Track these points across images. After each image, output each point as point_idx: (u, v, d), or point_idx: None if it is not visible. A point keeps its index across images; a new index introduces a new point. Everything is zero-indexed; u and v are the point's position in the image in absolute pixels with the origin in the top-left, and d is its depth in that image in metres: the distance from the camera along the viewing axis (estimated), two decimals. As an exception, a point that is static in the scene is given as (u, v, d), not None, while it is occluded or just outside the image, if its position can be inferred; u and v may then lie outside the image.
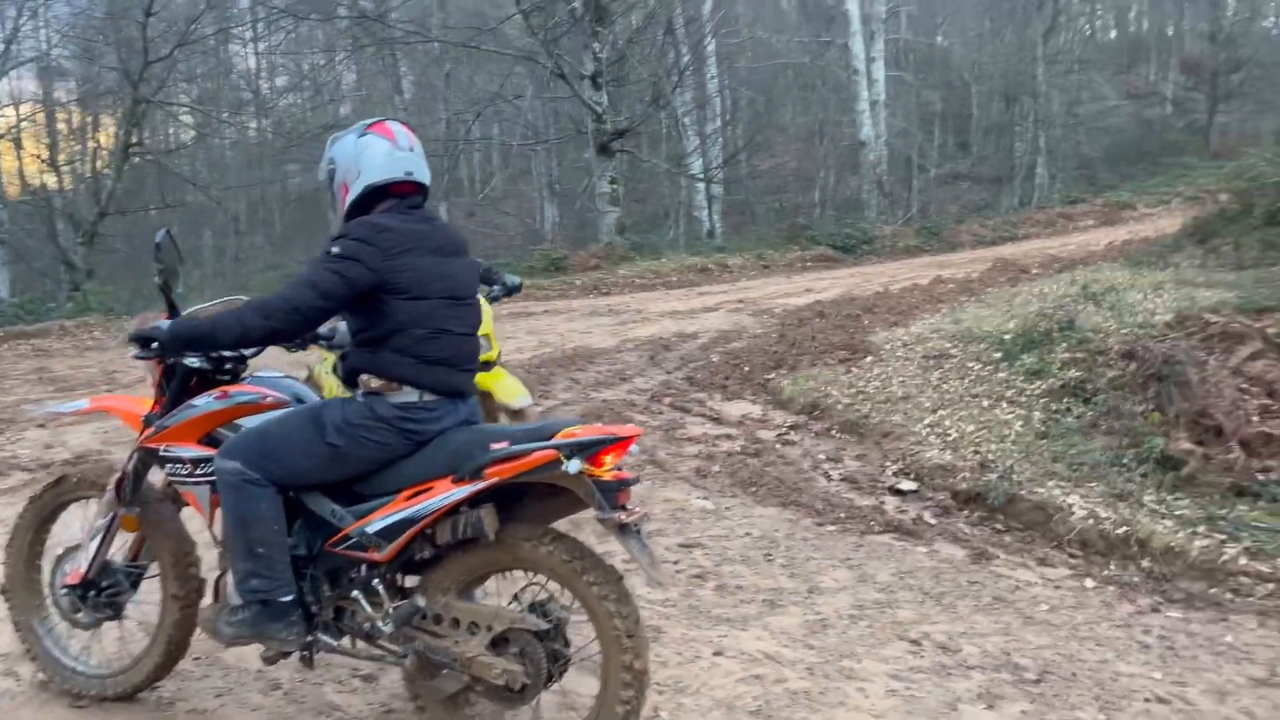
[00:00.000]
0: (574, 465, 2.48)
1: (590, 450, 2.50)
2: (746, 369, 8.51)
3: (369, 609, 2.72)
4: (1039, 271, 13.25)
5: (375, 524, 2.65)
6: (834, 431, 6.66)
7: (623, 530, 2.51)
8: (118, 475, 3.05)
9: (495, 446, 2.57)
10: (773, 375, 8.12)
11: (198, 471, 2.86)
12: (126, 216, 20.50)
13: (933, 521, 5.12)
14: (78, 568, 3.10)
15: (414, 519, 2.62)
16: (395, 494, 2.66)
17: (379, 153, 2.77)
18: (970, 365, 7.38)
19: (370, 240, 2.63)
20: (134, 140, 17.52)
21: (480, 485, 2.56)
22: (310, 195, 34.10)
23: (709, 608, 3.83)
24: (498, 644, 2.62)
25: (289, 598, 2.73)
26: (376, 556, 2.67)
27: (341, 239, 2.67)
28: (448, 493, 2.58)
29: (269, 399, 2.92)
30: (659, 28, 19.95)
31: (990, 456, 5.73)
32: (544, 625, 2.61)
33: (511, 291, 4.44)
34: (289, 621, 2.72)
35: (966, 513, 5.27)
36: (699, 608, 3.83)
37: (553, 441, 2.53)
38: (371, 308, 2.68)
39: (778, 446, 6.33)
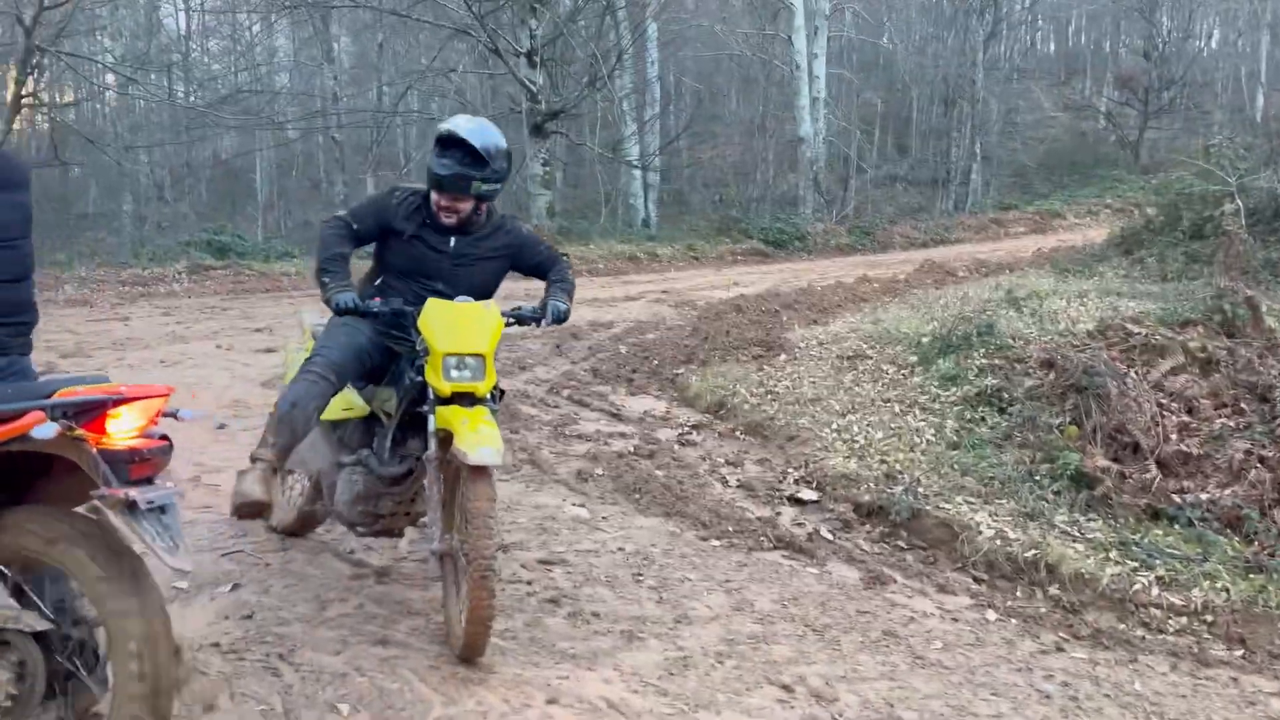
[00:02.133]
0: (44, 430, 2.06)
1: (91, 412, 2.13)
2: (655, 362, 8.02)
3: None
4: (966, 275, 13.00)
5: None
6: (738, 433, 6.21)
7: (131, 510, 2.10)
8: None
9: None
10: (681, 370, 7.65)
11: None
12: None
13: (829, 537, 4.69)
14: None
15: None
16: None
17: None
18: (885, 368, 6.99)
19: None
20: (26, 92, 16.39)
21: None
22: (238, 163, 32.94)
23: (555, 640, 3.31)
24: None
25: None
26: None
27: None
28: None
29: None
30: (599, 7, 19.34)
31: (897, 467, 5.32)
32: (40, 625, 2.19)
33: (542, 321, 3.54)
34: None
35: (868, 528, 4.85)
36: (543, 640, 3.30)
37: (44, 401, 2.12)
38: None
39: (675, 448, 5.85)
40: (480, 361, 3.23)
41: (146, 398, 2.20)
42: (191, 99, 26.90)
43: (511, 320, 3.50)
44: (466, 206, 3.44)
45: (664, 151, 22.32)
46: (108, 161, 23.26)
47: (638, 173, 21.18)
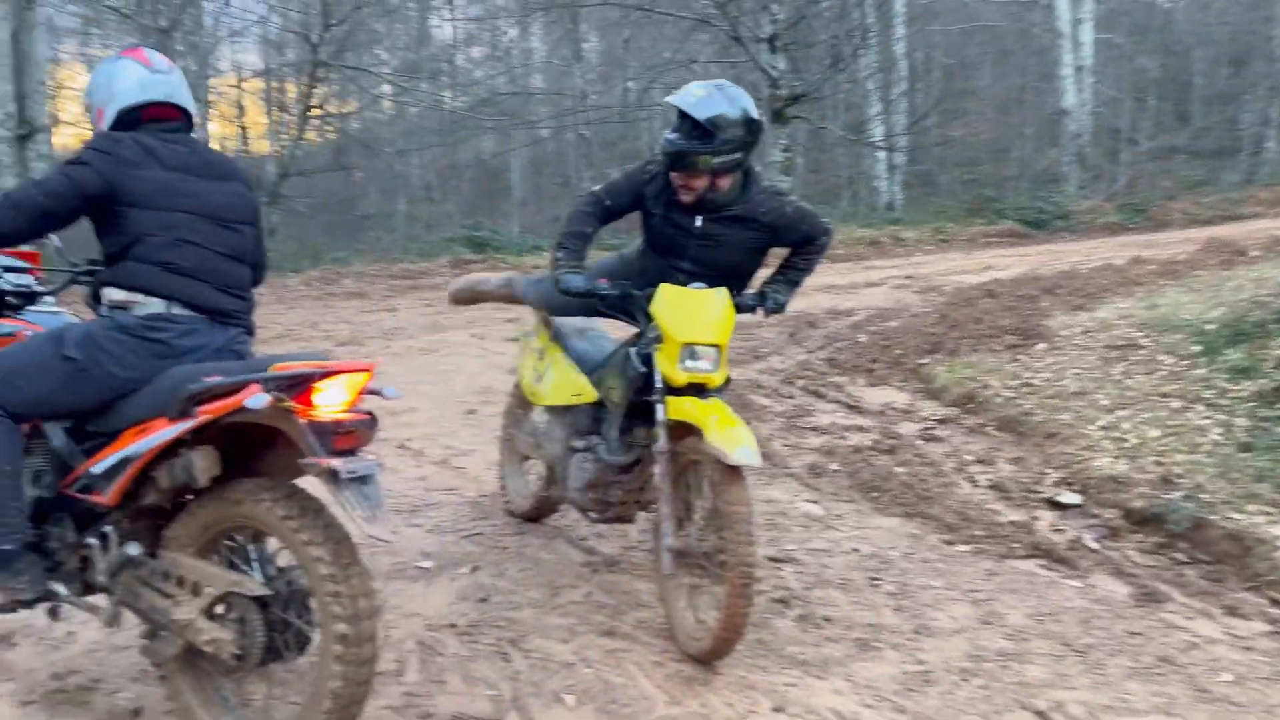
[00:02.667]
0: (256, 401, 2.16)
1: (300, 386, 2.23)
2: (898, 352, 7.63)
3: (100, 559, 2.49)
4: (1259, 254, 11.50)
5: (100, 464, 2.41)
6: (989, 429, 5.77)
7: (334, 477, 2.19)
8: None
9: (208, 380, 2.27)
10: (926, 360, 7.23)
11: None
12: (310, 179, 21.34)
13: (1094, 547, 4.23)
14: None
15: (130, 459, 2.36)
16: (121, 432, 2.41)
17: (132, 77, 2.61)
18: (1162, 359, 6.28)
19: (104, 149, 2.49)
20: (312, 104, 18.06)
21: (188, 423, 2.27)
22: (496, 162, 34.90)
23: (783, 644, 3.16)
24: (218, 608, 2.37)
25: (11, 546, 2.49)
26: (102, 500, 2.43)
27: (81, 148, 2.52)
28: (161, 431, 2.31)
29: (25, 332, 2.71)
30: (843, -14, 18.78)
31: (1176, 470, 4.73)
32: (259, 591, 2.33)
33: (764, 309, 3.40)
34: (15, 570, 2.49)
35: (1139, 538, 4.33)
36: (770, 644, 3.16)
37: (260, 374, 2.23)
38: (112, 222, 2.48)
39: (918, 443, 5.51)
40: (716, 352, 3.12)
41: (351, 372, 2.28)
42: (456, 104, 28.76)
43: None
44: (700, 183, 3.27)
45: (911, 131, 21.38)
46: (384, 167, 25.23)
47: (882, 154, 20.44)
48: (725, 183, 3.30)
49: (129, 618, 2.56)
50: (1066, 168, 19.93)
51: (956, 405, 6.23)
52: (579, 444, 3.53)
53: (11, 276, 2.90)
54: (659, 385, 3.14)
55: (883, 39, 20.95)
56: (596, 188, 3.51)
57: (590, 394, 3.49)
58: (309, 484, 2.33)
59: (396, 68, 25.56)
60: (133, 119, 2.59)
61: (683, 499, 3.20)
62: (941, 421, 5.91)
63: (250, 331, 2.67)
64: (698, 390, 3.13)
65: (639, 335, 3.30)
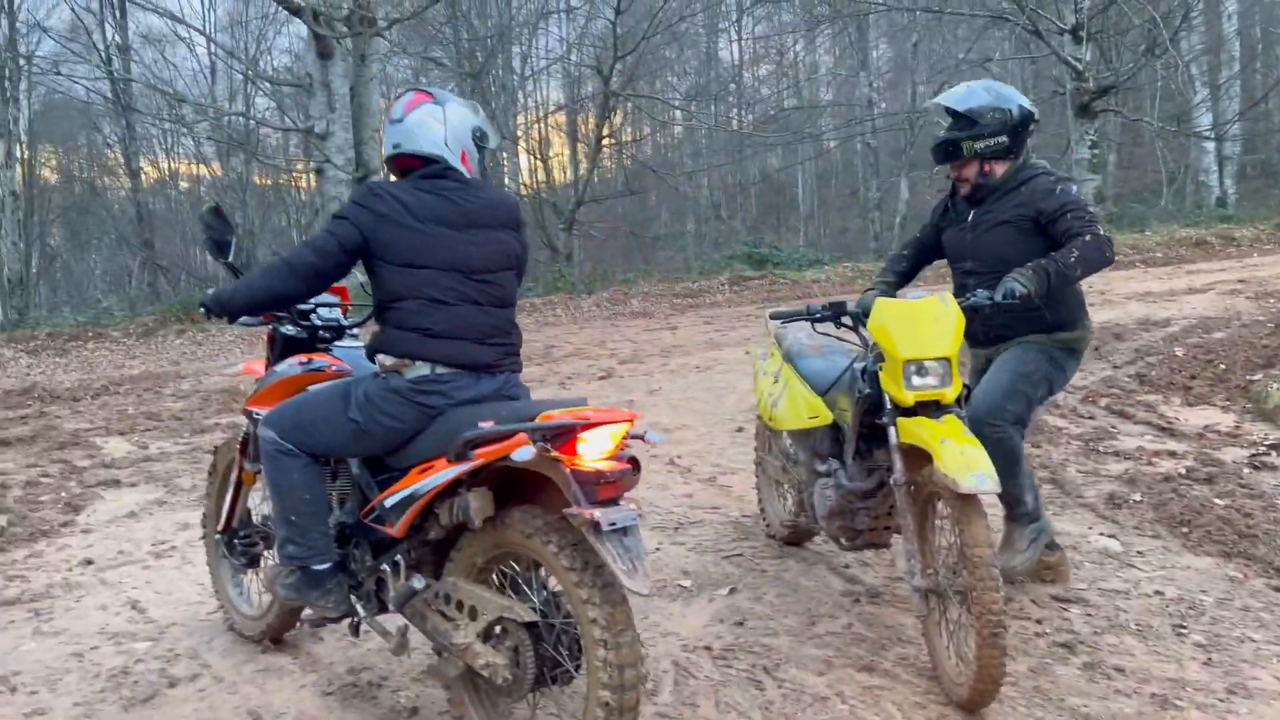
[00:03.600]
0: (523, 453, 2.27)
1: (564, 435, 2.30)
2: (1223, 367, 6.77)
3: (393, 584, 2.69)
4: None
5: (390, 498, 2.60)
6: (1337, 457, 4.96)
7: (596, 529, 2.22)
8: (243, 434, 3.25)
9: (483, 425, 2.40)
10: (1259, 377, 6.35)
11: None
12: (604, 204, 22.44)
13: None
14: (222, 515, 3.36)
15: (415, 497, 2.54)
16: (410, 469, 2.59)
17: (387, 128, 2.77)
18: None
19: (362, 201, 2.64)
20: (607, 133, 18.97)
21: (465, 466, 2.42)
22: (782, 177, 34.97)
23: (1064, 694, 2.85)
24: (492, 633, 2.49)
25: (324, 566, 2.75)
26: (391, 531, 2.61)
27: (348, 201, 2.71)
28: (441, 471, 2.47)
29: (333, 368, 2.96)
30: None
31: None
32: (529, 616, 2.42)
33: (993, 299, 3.15)
34: (325, 590, 2.75)
35: None
36: (1049, 692, 2.86)
37: (528, 425, 2.34)
38: (374, 275, 2.67)
39: (1245, 472, 4.83)
40: (944, 365, 2.90)
41: (612, 423, 2.31)
42: (742, 122, 29.15)
43: (965, 310, 3.11)
44: (969, 172, 3.47)
45: (1244, 117, 18.98)
46: (674, 188, 26.04)
47: (1210, 145, 18.28)
48: (997, 171, 3.45)
49: (416, 637, 2.75)
50: None
51: (1295, 429, 5.41)
52: (821, 468, 3.40)
53: (324, 312, 3.20)
54: (888, 406, 2.97)
55: (1209, 18, 18.79)
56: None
57: (825, 415, 3.35)
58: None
59: (685, 91, 26.31)
60: (406, 167, 2.74)
61: (928, 533, 2.99)
62: (1275, 447, 5.15)
63: (518, 370, 2.78)
64: (931, 408, 2.92)
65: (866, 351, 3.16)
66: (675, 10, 18.68)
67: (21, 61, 21.57)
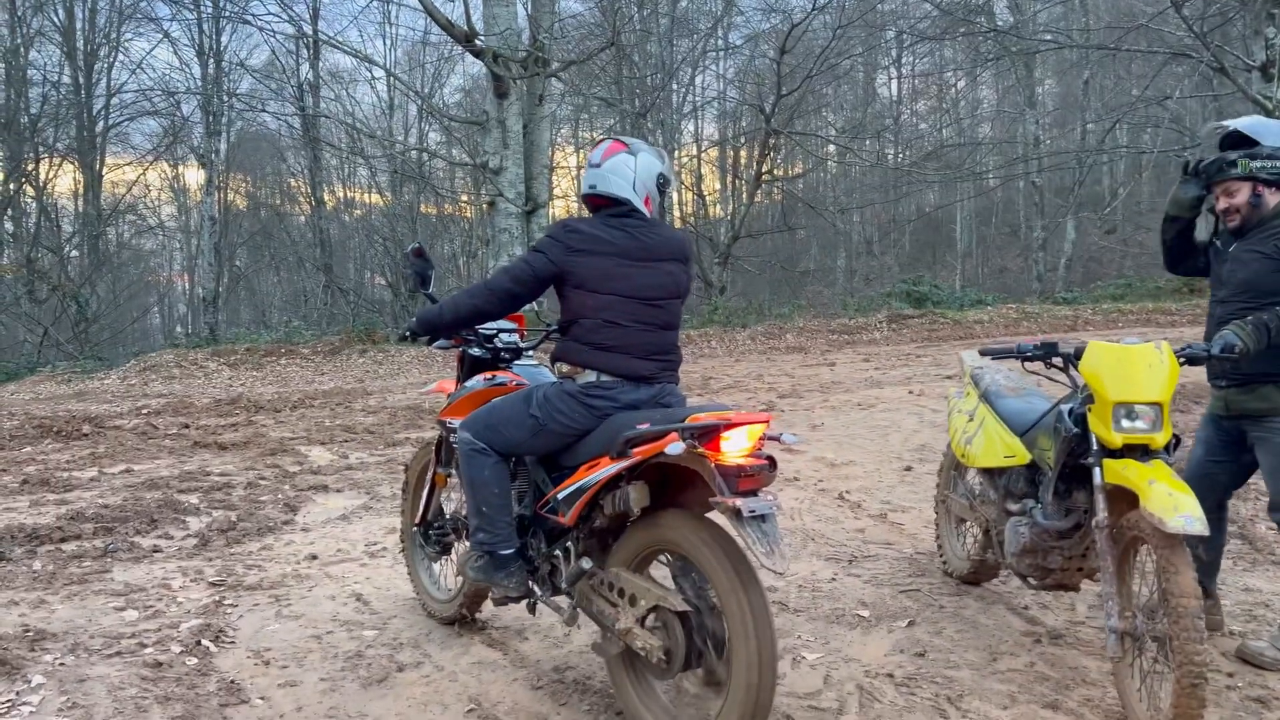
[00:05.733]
0: (675, 448, 2.60)
1: (710, 434, 2.58)
2: None
3: (564, 568, 3.07)
4: None
5: (563, 492, 2.99)
6: None
7: (738, 515, 2.51)
8: (437, 440, 3.76)
9: (640, 426, 2.74)
10: None
11: None
12: (757, 239, 22.62)
13: None
14: (419, 511, 3.86)
15: (583, 489, 2.90)
16: (579, 467, 2.96)
17: (587, 170, 3.18)
18: None
19: (558, 237, 3.04)
20: (765, 169, 19.20)
21: (625, 462, 2.76)
22: (939, 214, 34.35)
23: (1258, 747, 2.86)
24: (649, 618, 2.79)
25: (509, 551, 3.16)
26: (563, 520, 2.99)
27: (544, 235, 3.13)
28: (606, 467, 2.82)
29: (514, 383, 3.43)
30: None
31: None
32: (681, 606, 2.70)
33: (1212, 352, 3.16)
34: (509, 572, 3.15)
35: None
36: (1240, 743, 2.88)
37: (677, 425, 2.64)
38: (563, 298, 3.07)
39: None
40: (1156, 410, 2.94)
41: (751, 423, 2.60)
42: (899, 159, 28.90)
43: (1182, 360, 3.13)
44: (1240, 194, 3.33)
45: None
46: (826, 223, 26.02)
47: None
48: (1269, 200, 3.31)
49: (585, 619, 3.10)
50: None
51: None
52: (1014, 507, 3.48)
53: (505, 336, 3.67)
54: (1094, 447, 3.03)
55: None
56: None
57: (1023, 455, 3.44)
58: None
59: (841, 128, 26.31)
60: (590, 206, 3.17)
61: (1127, 577, 3.04)
62: None
63: (675, 382, 3.14)
64: (1138, 451, 2.97)
65: (1075, 393, 3.22)
66: (836, 49, 18.78)
67: (225, 97, 23.60)
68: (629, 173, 3.08)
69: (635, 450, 2.74)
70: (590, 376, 3.01)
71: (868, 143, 25.85)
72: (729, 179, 24.88)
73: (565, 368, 3.09)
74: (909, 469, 6.30)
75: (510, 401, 3.18)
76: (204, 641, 3.63)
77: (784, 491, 5.81)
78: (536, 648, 3.64)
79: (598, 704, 3.17)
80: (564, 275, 3.01)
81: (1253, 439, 3.39)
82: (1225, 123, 3.45)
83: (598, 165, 3.13)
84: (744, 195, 20.30)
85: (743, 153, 22.80)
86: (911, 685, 3.28)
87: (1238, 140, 3.36)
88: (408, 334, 3.36)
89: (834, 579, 4.32)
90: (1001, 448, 3.54)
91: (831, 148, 24.56)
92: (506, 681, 3.34)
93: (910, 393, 9.25)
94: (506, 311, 3.19)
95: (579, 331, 3.04)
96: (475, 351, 3.63)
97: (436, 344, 3.47)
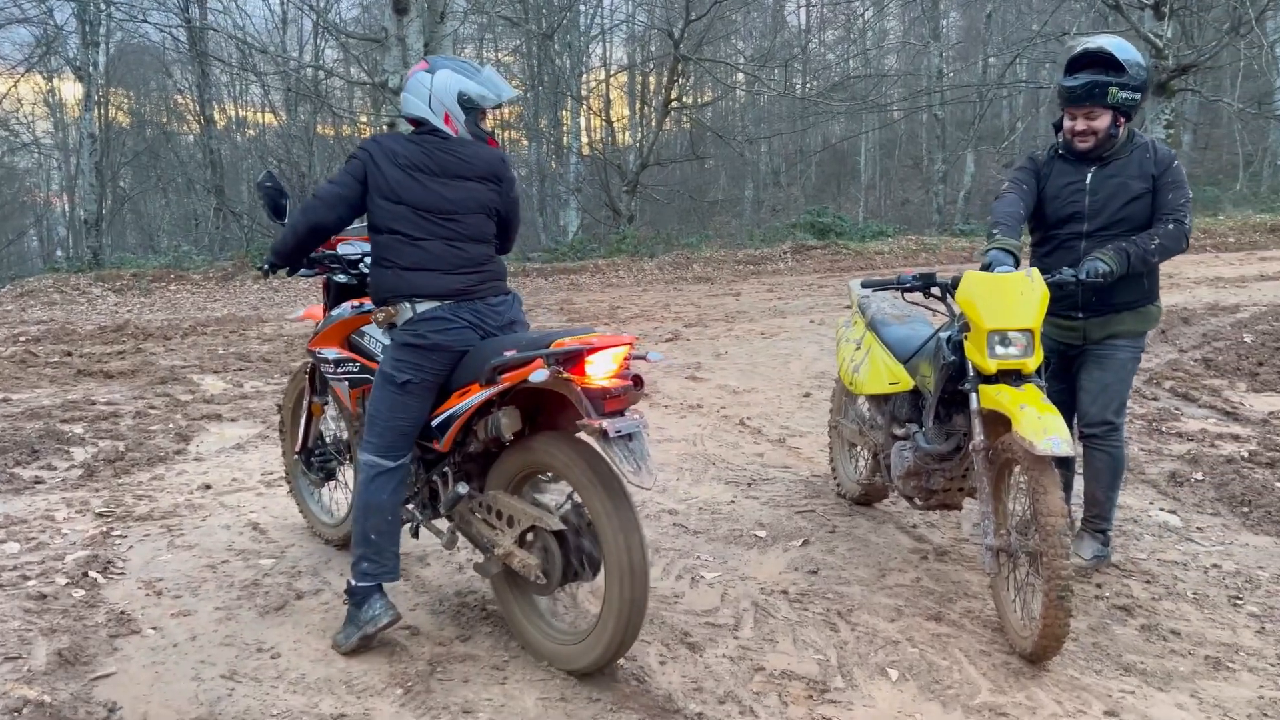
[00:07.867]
0: (539, 375, 2.65)
1: (574, 359, 2.63)
2: (1291, 355, 6.80)
3: (443, 493, 3.13)
4: None
5: (437, 419, 3.02)
6: (1402, 448, 5.03)
7: (604, 436, 2.56)
8: (310, 369, 3.79)
9: (506, 354, 2.77)
10: (1327, 367, 6.39)
11: (339, 370, 3.46)
12: (666, 168, 22.49)
13: None
14: (299, 440, 3.89)
15: (455, 416, 2.96)
16: (451, 394, 2.99)
17: None
18: None
19: (365, 145, 3.08)
20: (674, 96, 19.01)
21: (494, 389, 2.81)
22: (844, 146, 34.64)
23: (1122, 651, 3.05)
24: (526, 538, 2.91)
25: (391, 582, 3.13)
26: (438, 447, 3.04)
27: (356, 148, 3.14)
28: (475, 395, 2.88)
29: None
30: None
31: None
32: (557, 526, 2.80)
33: (1081, 282, 3.31)
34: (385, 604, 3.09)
35: None
36: (1108, 649, 3.07)
37: (542, 350, 2.68)
38: (369, 212, 3.05)
39: (1308, 458, 4.94)
40: (1028, 337, 3.05)
41: (615, 346, 2.67)
42: (807, 89, 28.92)
43: (1053, 287, 3.26)
44: (1102, 122, 3.41)
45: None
46: (734, 153, 26.01)
47: (1291, 129, 17.86)
48: (1122, 128, 3.41)
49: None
50: None
51: (1362, 419, 5.48)
52: (899, 432, 3.61)
53: (369, 261, 3.32)
54: (971, 374, 3.14)
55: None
56: (1006, 181, 3.65)
57: (907, 382, 3.55)
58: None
59: (750, 56, 26.14)
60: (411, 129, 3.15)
61: (1002, 496, 3.18)
62: (1340, 436, 5.23)
63: (506, 294, 3.13)
64: (1012, 377, 3.09)
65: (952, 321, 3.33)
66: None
67: (102, 5, 22.12)
68: (424, 90, 3.07)
69: (503, 377, 2.78)
70: (406, 311, 2.99)
71: (776, 72, 25.80)
72: (638, 105, 24.54)
73: (380, 315, 3.09)
74: (808, 395, 6.45)
75: (375, 398, 3.07)
76: (91, 573, 3.52)
77: (686, 418, 5.89)
78: (438, 573, 3.64)
79: (499, 627, 3.20)
80: (368, 180, 3.02)
81: (1091, 358, 3.55)
82: (1084, 46, 3.41)
83: (398, 90, 3.15)
84: (652, 122, 20.09)
85: (651, 79, 22.46)
86: (804, 601, 3.40)
87: (1100, 60, 3.35)
88: (265, 268, 3.28)
89: (733, 501, 4.42)
90: (886, 375, 3.64)
91: (740, 76, 24.43)
92: (408, 607, 3.34)
93: (812, 322, 9.42)
94: (343, 220, 3.12)
95: (379, 251, 3.04)
96: (340, 278, 3.55)
97: (300, 273, 3.41)
